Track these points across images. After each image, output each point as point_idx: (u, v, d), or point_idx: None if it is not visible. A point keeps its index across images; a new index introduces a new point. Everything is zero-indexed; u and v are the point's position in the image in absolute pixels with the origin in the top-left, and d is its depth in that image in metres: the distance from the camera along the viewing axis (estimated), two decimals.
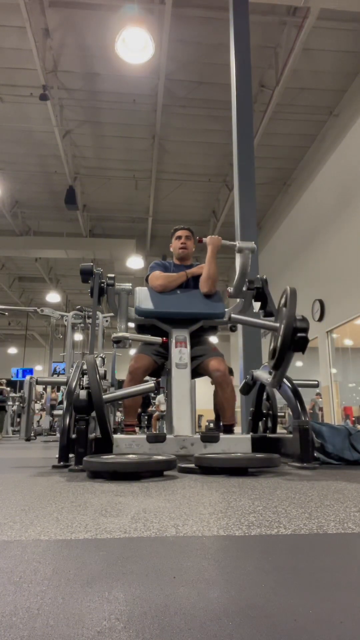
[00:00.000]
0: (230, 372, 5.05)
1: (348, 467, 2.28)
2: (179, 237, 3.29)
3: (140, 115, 8.46)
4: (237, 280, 2.90)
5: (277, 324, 2.30)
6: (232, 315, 2.56)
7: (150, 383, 2.69)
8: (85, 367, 2.27)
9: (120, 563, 0.72)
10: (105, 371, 2.42)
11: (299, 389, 2.44)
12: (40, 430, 8.79)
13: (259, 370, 2.86)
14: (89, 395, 2.12)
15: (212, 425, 8.14)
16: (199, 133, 8.92)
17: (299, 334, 2.11)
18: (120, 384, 3.35)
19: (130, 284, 3.00)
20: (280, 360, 2.18)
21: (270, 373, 2.76)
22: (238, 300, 3.06)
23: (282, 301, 2.27)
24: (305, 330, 2.11)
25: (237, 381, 4.81)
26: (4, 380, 10.15)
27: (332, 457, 2.38)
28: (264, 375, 2.68)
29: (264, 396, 3.03)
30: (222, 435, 2.47)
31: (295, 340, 2.11)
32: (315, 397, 10.12)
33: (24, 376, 17.67)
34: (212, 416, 4.31)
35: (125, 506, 1.19)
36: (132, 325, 3.02)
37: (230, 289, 3.00)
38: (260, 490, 1.45)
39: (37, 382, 3.91)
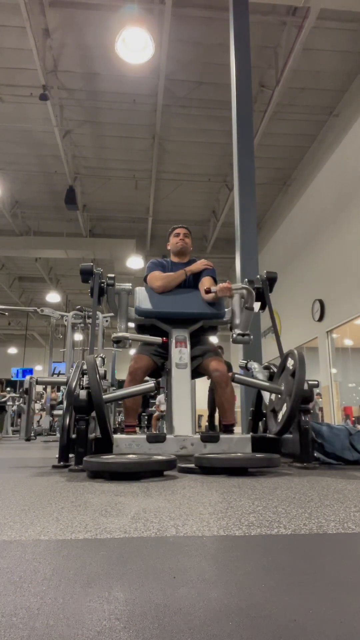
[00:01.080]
0: (229, 367, 5.03)
1: (348, 467, 2.28)
2: (177, 234, 3.28)
3: (140, 115, 8.46)
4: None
5: (281, 388, 2.38)
6: (237, 376, 2.64)
7: (150, 383, 2.69)
8: (85, 367, 2.27)
9: (120, 563, 0.72)
10: (105, 371, 2.42)
11: None
12: (40, 430, 8.79)
13: (257, 370, 2.86)
14: (89, 395, 2.12)
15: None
16: (199, 133, 8.92)
17: (303, 405, 2.21)
18: (120, 384, 3.34)
19: (130, 284, 3.00)
20: (287, 427, 2.26)
21: (269, 375, 2.77)
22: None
23: (289, 366, 2.32)
24: (311, 400, 2.22)
25: None
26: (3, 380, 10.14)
27: (332, 457, 2.38)
28: (265, 393, 2.74)
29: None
30: (222, 435, 2.47)
31: (300, 409, 2.22)
32: (315, 397, 10.11)
33: (24, 376, 17.67)
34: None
35: (125, 506, 1.19)
36: (132, 325, 3.02)
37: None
38: (260, 490, 1.45)
39: (37, 382, 3.90)
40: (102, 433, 2.24)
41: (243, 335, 2.87)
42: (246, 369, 3.01)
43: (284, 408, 2.29)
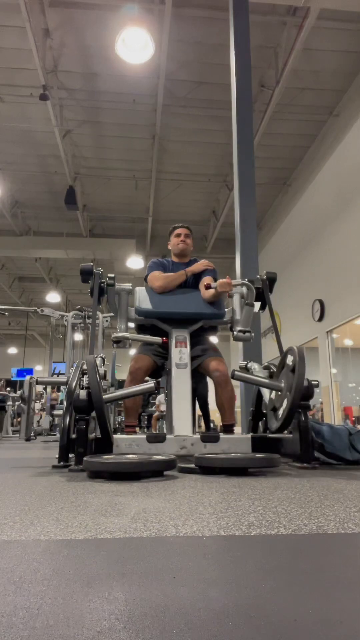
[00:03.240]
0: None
1: (348, 467, 2.28)
2: (178, 235, 3.28)
3: (140, 115, 8.46)
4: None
5: (281, 385, 2.37)
6: (237, 373, 2.63)
7: (150, 383, 2.69)
8: (85, 367, 2.27)
9: (120, 563, 0.72)
10: (105, 371, 2.42)
11: None
12: (40, 430, 8.78)
13: (257, 370, 2.86)
14: (89, 395, 2.12)
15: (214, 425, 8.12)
16: (199, 133, 8.92)
17: (303, 402, 2.20)
18: (120, 385, 3.34)
19: (130, 284, 3.00)
20: (287, 423, 2.25)
21: (271, 374, 2.77)
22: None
23: (289, 362, 2.30)
24: (311, 397, 2.20)
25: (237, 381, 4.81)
26: (3, 381, 10.14)
27: (332, 457, 2.38)
28: (265, 392, 2.74)
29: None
30: (222, 435, 2.47)
31: (301, 405, 2.21)
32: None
33: (24, 376, 17.64)
34: (213, 416, 4.29)
35: (125, 506, 1.19)
36: (132, 325, 3.02)
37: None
38: (260, 490, 1.45)
39: (37, 382, 3.90)
40: (102, 433, 2.24)
41: (244, 332, 2.90)
42: (246, 369, 3.01)
43: (285, 404, 2.29)
